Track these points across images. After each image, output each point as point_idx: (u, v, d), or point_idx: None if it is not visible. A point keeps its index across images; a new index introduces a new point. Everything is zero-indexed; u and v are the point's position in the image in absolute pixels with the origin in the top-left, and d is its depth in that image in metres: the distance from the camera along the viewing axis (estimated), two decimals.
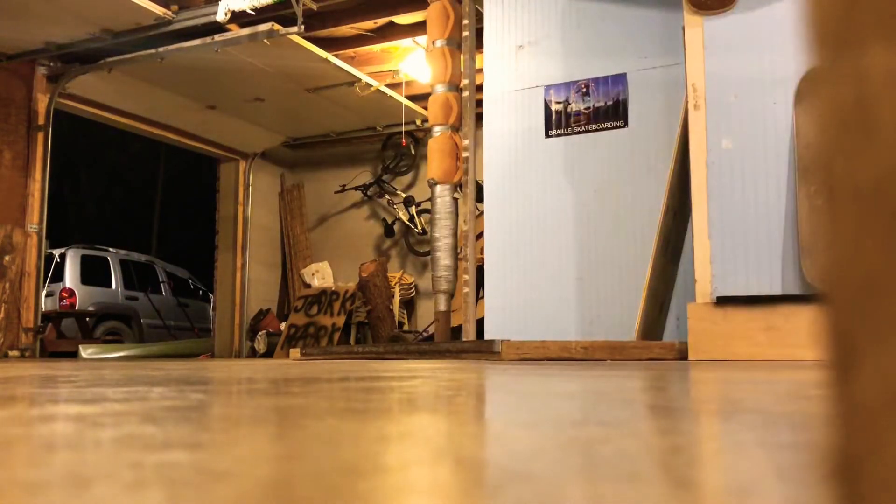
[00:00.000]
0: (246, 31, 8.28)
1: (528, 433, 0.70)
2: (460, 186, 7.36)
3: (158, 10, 8.16)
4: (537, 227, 6.66)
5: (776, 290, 5.08)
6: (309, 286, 11.92)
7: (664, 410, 0.97)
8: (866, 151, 0.31)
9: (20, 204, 9.49)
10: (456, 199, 7.50)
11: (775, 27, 5.23)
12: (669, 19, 6.26)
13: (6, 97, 9.37)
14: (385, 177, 12.09)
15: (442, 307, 7.55)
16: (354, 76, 9.58)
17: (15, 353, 9.24)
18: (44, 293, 10.61)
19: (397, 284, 11.45)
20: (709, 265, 5.27)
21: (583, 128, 6.58)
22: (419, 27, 8.80)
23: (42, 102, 9.65)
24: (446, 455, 0.56)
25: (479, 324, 6.98)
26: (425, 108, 8.65)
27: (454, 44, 7.46)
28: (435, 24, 7.51)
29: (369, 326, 10.81)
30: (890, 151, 0.30)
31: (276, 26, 8.07)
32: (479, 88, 7.24)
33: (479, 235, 7.41)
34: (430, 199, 7.96)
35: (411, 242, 11.83)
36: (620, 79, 6.48)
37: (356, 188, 12.21)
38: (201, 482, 0.44)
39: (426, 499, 0.42)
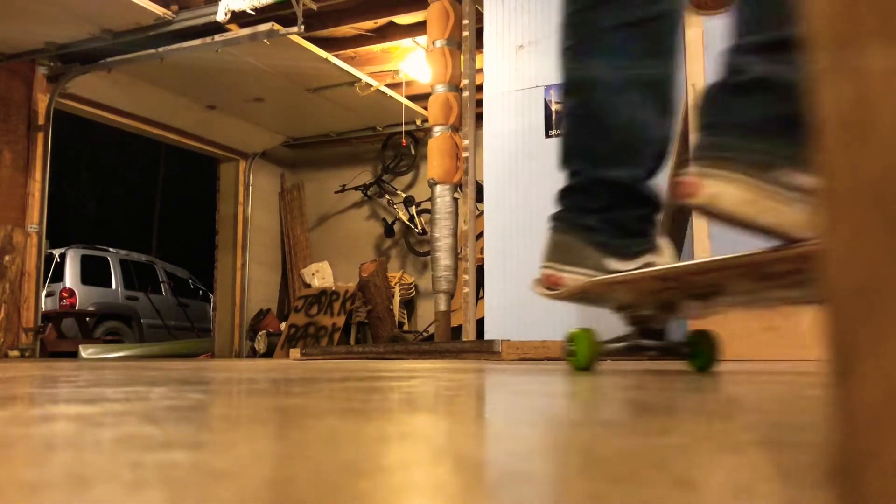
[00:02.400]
0: (246, 31, 8.28)
1: (529, 432, 0.71)
2: (460, 186, 7.35)
3: (158, 10, 8.16)
4: (538, 226, 6.63)
5: None
6: (309, 286, 11.92)
7: (665, 410, 0.97)
8: (866, 151, 0.31)
9: (20, 204, 9.49)
10: (456, 199, 7.50)
11: None
12: None
13: (6, 97, 9.37)
14: (385, 177, 12.09)
15: (442, 307, 7.56)
16: (354, 76, 9.59)
17: (15, 353, 9.24)
18: (44, 293, 10.61)
19: (397, 284, 11.45)
20: None
21: None
22: (419, 27, 8.80)
23: (42, 102, 9.65)
24: (446, 454, 0.56)
25: (479, 324, 6.98)
26: (425, 108, 8.65)
27: (454, 44, 7.46)
28: (435, 24, 7.52)
29: (369, 326, 10.81)
30: (890, 151, 0.30)
31: (277, 26, 8.07)
32: (479, 88, 7.24)
33: (479, 235, 7.41)
34: (430, 199, 7.96)
35: (411, 242, 11.83)
36: None
37: (356, 188, 12.20)
38: (201, 482, 0.44)
39: (426, 498, 0.42)
